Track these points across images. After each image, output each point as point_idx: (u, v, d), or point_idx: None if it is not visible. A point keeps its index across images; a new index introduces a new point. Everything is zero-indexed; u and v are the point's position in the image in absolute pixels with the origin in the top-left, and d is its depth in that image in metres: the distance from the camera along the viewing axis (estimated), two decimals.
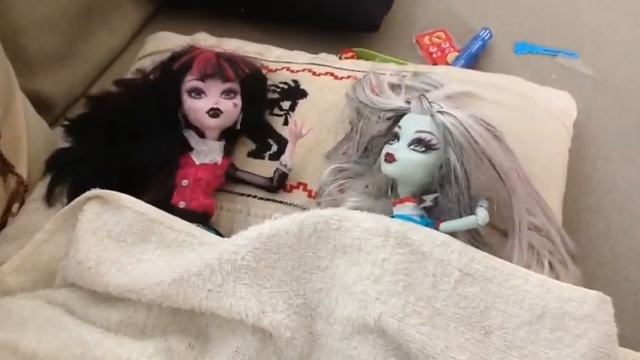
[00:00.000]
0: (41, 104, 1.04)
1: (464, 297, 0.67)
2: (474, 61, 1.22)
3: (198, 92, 0.88)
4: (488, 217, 0.73)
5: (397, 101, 0.84)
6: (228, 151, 0.91)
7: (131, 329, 0.71)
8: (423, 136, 0.77)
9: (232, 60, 0.91)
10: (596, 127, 1.15)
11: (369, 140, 0.85)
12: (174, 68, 0.90)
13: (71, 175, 0.91)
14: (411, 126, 0.78)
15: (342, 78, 0.99)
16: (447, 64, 1.21)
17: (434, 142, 0.76)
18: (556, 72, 1.23)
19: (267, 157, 0.92)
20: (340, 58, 1.12)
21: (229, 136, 0.92)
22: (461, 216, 0.75)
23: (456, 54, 1.22)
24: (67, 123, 0.97)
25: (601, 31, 1.31)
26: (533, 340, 0.66)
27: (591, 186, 1.11)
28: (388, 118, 0.84)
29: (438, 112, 0.77)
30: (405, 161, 0.77)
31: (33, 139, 0.94)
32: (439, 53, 1.24)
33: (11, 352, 0.65)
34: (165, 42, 1.10)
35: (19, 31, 1.03)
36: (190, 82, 0.88)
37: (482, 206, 0.75)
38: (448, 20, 1.33)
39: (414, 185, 0.79)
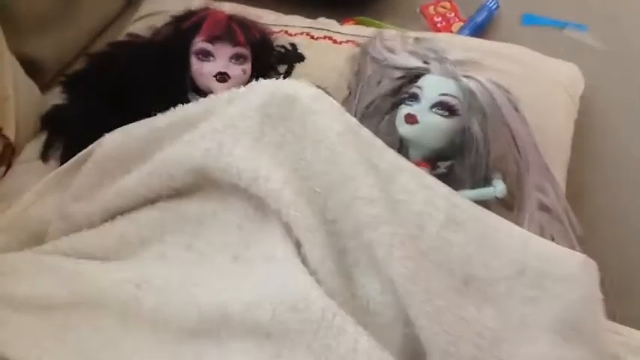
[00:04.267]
0: (31, 68, 1.00)
1: (447, 242, 0.65)
2: (480, 31, 1.18)
3: (206, 55, 0.85)
4: (506, 190, 0.71)
5: (414, 60, 0.81)
6: None
7: (128, 248, 0.69)
8: (447, 99, 0.74)
9: (244, 24, 0.88)
10: (603, 101, 1.12)
11: (368, 105, 0.82)
12: (183, 28, 0.87)
13: (68, 134, 0.89)
14: (434, 88, 0.75)
15: (341, 42, 0.96)
16: (452, 33, 1.18)
17: (458, 107, 0.74)
18: (564, 44, 1.20)
19: None
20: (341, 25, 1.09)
21: None
22: (474, 187, 0.73)
23: (461, 24, 1.19)
24: (64, 79, 0.94)
25: (611, 4, 1.26)
26: (509, 295, 0.64)
27: (597, 161, 1.09)
28: (400, 77, 0.80)
29: (465, 76, 0.74)
30: (427, 124, 0.74)
31: (22, 102, 0.91)
32: (444, 23, 1.21)
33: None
34: (161, 5, 1.07)
35: None
36: (199, 43, 0.85)
37: (499, 178, 0.73)
38: None
39: (428, 149, 0.76)
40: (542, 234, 0.75)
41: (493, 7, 1.21)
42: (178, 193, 0.69)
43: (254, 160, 0.65)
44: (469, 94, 0.73)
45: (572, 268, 0.65)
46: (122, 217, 0.70)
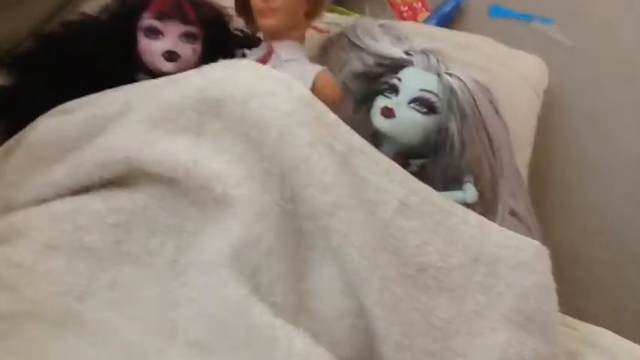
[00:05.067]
0: None
1: (400, 229, 0.63)
2: (446, 21, 1.17)
3: (155, 32, 0.81)
4: (477, 195, 0.70)
5: (396, 50, 0.78)
6: None
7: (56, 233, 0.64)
8: (427, 96, 0.71)
9: (195, 1, 0.84)
10: (568, 98, 1.12)
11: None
12: (129, 4, 0.83)
13: (10, 117, 0.83)
14: (415, 82, 0.72)
15: None
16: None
17: (437, 104, 0.71)
18: (530, 38, 1.19)
19: None
20: None
21: None
22: (445, 188, 0.71)
23: (428, 14, 1.18)
24: (8, 60, 0.88)
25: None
26: (464, 283, 0.63)
27: (560, 158, 1.09)
28: (379, 64, 0.77)
29: (447, 73, 0.72)
30: (404, 120, 0.71)
31: None
32: (410, 12, 1.20)
33: None
34: None
35: None
36: (147, 20, 0.81)
37: (469, 182, 0.71)
38: None
39: (401, 144, 0.74)
40: None
41: None
42: (110, 182, 0.65)
43: (194, 148, 0.62)
44: (450, 92, 0.71)
45: (526, 256, 0.64)
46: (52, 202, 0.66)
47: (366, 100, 0.78)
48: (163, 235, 0.63)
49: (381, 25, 0.89)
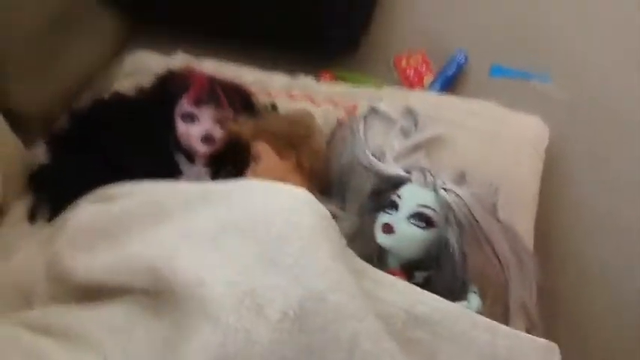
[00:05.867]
0: (16, 122, 1.01)
1: (411, 340, 0.65)
2: (450, 84, 1.24)
3: (191, 117, 0.88)
4: (481, 305, 0.73)
5: (396, 168, 0.83)
6: (214, 177, 0.90)
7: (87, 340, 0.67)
8: (425, 211, 0.76)
9: (227, 88, 0.92)
10: (569, 150, 1.17)
11: (344, 164, 0.87)
12: (168, 90, 0.91)
13: (54, 194, 0.89)
14: (413, 198, 0.77)
15: (319, 103, 1.00)
16: (423, 86, 1.24)
17: (435, 219, 0.76)
18: (530, 95, 1.25)
19: None
20: (318, 81, 1.13)
21: (217, 163, 0.92)
22: (450, 298, 0.72)
23: (433, 77, 1.24)
24: (49, 138, 0.95)
25: (576, 54, 1.32)
26: None
27: (563, 208, 1.13)
28: (381, 181, 0.82)
29: (443, 188, 0.76)
30: (403, 235, 0.76)
31: (9, 161, 0.92)
32: (416, 77, 1.26)
33: None
34: (144, 62, 1.10)
35: None
36: (184, 106, 0.89)
37: (474, 292, 0.74)
38: (426, 39, 1.33)
39: (404, 258, 0.78)
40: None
41: (462, 62, 1.26)
42: (144, 291, 0.68)
43: (205, 264, 0.64)
44: (447, 207, 0.75)
45: (538, 355, 0.68)
46: (84, 306, 0.71)
47: (370, 212, 0.82)
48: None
49: (407, 111, 0.96)
